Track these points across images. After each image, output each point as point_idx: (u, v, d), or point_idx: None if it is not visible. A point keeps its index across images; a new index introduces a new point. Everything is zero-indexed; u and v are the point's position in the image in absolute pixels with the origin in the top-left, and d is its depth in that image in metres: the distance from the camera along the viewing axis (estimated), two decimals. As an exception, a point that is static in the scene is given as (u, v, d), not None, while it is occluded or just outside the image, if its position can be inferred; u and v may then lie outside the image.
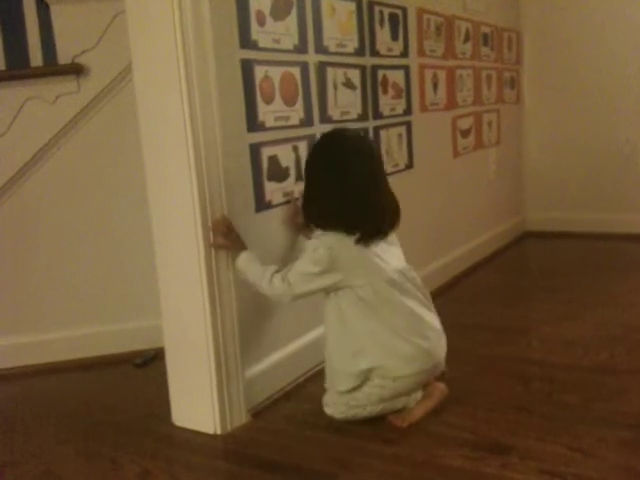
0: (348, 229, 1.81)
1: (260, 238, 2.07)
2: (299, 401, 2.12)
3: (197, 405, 1.94)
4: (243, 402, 1.98)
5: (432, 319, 1.92)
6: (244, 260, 1.87)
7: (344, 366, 1.87)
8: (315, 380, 2.25)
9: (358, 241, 1.81)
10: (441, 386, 1.98)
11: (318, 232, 1.87)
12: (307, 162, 1.94)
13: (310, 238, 2.00)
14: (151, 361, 2.50)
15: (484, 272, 3.60)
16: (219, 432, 1.92)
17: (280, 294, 1.85)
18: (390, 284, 1.84)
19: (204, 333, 1.88)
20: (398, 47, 2.83)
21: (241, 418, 1.97)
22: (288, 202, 2.16)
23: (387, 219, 1.88)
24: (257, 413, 2.03)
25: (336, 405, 1.90)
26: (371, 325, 1.83)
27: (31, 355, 2.53)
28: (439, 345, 1.90)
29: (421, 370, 1.86)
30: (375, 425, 1.90)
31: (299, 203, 2.16)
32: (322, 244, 1.81)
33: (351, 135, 1.96)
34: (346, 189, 1.81)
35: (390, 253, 1.89)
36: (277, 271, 1.85)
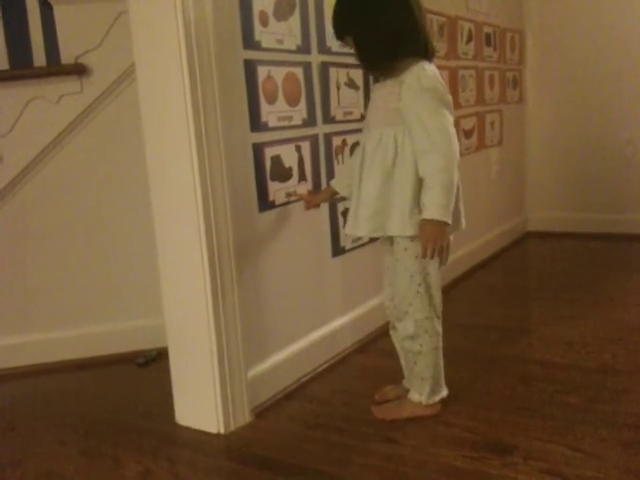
0: (425, 47, 1.80)
1: (263, 238, 2.08)
2: (302, 401, 2.12)
3: (200, 404, 1.95)
4: (246, 402, 1.98)
5: None
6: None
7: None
8: (318, 379, 2.26)
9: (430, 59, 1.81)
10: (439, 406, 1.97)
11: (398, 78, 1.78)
12: (349, 17, 1.79)
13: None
14: (153, 361, 2.51)
15: (486, 272, 3.61)
16: (222, 431, 1.92)
17: (448, 151, 1.72)
18: None
19: (207, 333, 1.89)
20: (401, 47, 2.83)
21: (244, 417, 1.98)
22: (287, 202, 2.17)
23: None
24: (260, 413, 2.03)
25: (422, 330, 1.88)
26: None
27: (33, 355, 2.54)
28: None
29: None
30: (377, 425, 1.91)
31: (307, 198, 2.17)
32: (422, 74, 1.74)
33: None
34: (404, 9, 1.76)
35: None
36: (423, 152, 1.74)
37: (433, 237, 1.72)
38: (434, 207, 1.71)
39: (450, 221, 1.73)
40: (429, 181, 1.72)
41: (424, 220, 1.73)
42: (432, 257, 1.76)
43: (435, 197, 1.71)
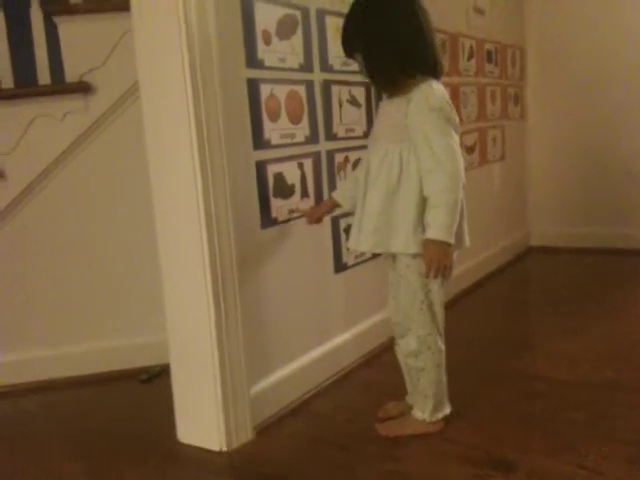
0: (433, 65, 1.80)
1: (266, 254, 2.09)
2: (306, 417, 2.11)
3: (202, 422, 1.94)
4: (249, 419, 1.98)
5: None
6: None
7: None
8: (322, 395, 2.25)
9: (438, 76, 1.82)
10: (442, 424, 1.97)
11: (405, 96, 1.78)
12: (358, 33, 1.79)
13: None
14: (156, 377, 2.50)
15: (489, 287, 3.60)
16: (225, 449, 1.92)
17: (453, 170, 1.73)
18: None
19: (209, 350, 1.89)
20: (402, 64, 2.85)
21: (247, 435, 1.97)
22: (290, 219, 2.18)
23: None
24: (263, 430, 2.02)
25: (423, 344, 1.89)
26: None
27: (36, 371, 2.54)
28: None
29: None
30: (380, 442, 1.90)
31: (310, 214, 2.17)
32: (430, 93, 1.75)
33: None
34: (414, 23, 1.77)
35: None
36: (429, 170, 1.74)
37: (437, 257, 1.73)
38: (438, 227, 1.72)
39: (453, 241, 1.74)
40: (433, 200, 1.73)
41: (427, 240, 1.74)
42: (436, 277, 1.77)
43: (439, 217, 1.72)
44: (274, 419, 2.08)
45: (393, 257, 1.90)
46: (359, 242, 1.86)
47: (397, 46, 1.75)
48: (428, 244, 1.74)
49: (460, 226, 1.81)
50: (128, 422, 2.17)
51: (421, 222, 1.76)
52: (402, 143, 1.78)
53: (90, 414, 2.29)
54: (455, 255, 1.88)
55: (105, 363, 2.57)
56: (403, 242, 1.78)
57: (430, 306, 1.87)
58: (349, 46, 1.83)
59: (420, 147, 1.74)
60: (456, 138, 1.77)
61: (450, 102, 1.80)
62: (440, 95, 1.77)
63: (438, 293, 1.88)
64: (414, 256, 1.80)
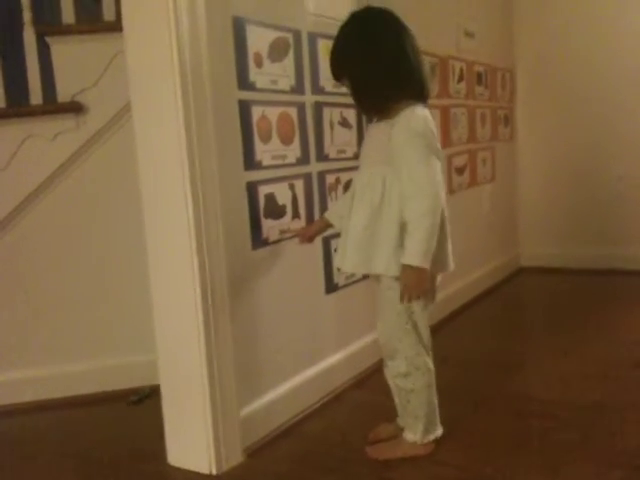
0: (419, 89, 1.82)
1: (257, 275, 2.09)
2: (296, 439, 2.10)
3: (192, 445, 1.92)
4: (239, 441, 1.96)
5: None
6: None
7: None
8: (313, 417, 2.24)
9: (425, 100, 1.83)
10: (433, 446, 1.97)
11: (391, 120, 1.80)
12: (353, 49, 1.81)
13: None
14: (146, 398, 2.48)
15: (480, 308, 3.60)
16: (214, 472, 1.90)
17: (431, 196, 1.73)
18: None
19: (199, 370, 1.87)
20: (393, 86, 2.87)
21: (237, 457, 1.95)
22: (280, 240, 2.18)
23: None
24: (254, 452, 2.01)
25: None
26: None
27: (25, 392, 2.51)
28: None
29: None
30: (371, 465, 1.89)
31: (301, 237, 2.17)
32: (413, 119, 1.77)
33: (374, 9, 1.86)
34: (400, 50, 1.78)
35: None
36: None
37: (413, 282, 1.75)
38: (414, 253, 1.73)
39: (429, 267, 1.75)
40: (411, 226, 1.74)
41: (404, 265, 1.75)
42: (410, 301, 1.78)
43: (415, 243, 1.73)
44: (266, 440, 2.07)
45: (377, 278, 1.90)
46: (344, 262, 1.88)
47: (383, 71, 1.77)
48: (405, 269, 1.75)
49: (444, 250, 1.83)
50: (119, 445, 2.15)
51: (402, 244, 1.77)
52: (386, 166, 1.80)
53: (78, 436, 2.26)
54: (439, 278, 1.89)
55: (94, 384, 2.54)
56: (384, 264, 1.79)
57: (415, 327, 1.87)
58: (337, 70, 1.86)
59: (401, 172, 1.76)
60: (437, 166, 1.78)
61: (433, 128, 1.81)
62: (422, 120, 1.78)
63: (422, 314, 1.88)
64: (396, 278, 1.81)
